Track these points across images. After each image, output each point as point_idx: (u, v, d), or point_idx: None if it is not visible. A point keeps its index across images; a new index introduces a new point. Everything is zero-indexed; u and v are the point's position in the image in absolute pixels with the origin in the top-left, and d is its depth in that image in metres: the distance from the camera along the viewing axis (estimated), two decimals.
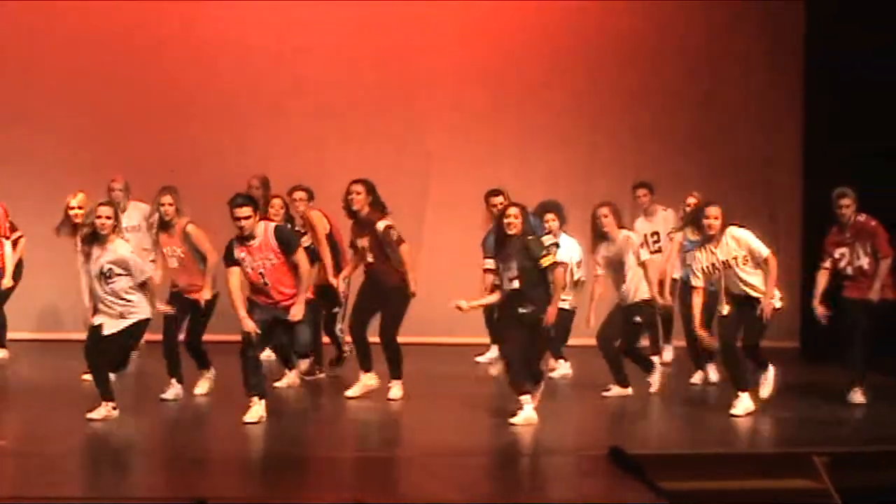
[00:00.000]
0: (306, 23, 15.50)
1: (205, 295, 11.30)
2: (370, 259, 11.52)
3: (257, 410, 10.52)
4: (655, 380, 11.88)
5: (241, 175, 12.80)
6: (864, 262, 11.47)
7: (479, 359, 13.74)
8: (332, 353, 12.86)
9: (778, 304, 10.94)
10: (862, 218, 11.52)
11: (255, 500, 8.48)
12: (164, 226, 11.41)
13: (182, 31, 15.45)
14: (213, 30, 15.48)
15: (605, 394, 11.76)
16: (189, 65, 15.41)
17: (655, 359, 12.17)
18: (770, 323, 10.92)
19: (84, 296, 11.03)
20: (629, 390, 11.67)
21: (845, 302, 11.55)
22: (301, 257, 10.70)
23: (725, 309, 11.09)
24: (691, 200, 12.30)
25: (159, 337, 11.46)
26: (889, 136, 13.80)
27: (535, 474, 9.53)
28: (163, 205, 11.40)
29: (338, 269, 12.24)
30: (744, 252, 10.85)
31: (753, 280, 10.86)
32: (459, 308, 10.70)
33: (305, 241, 11.95)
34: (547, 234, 11.85)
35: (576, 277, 12.19)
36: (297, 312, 10.63)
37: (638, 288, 11.59)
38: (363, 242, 11.51)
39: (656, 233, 13.41)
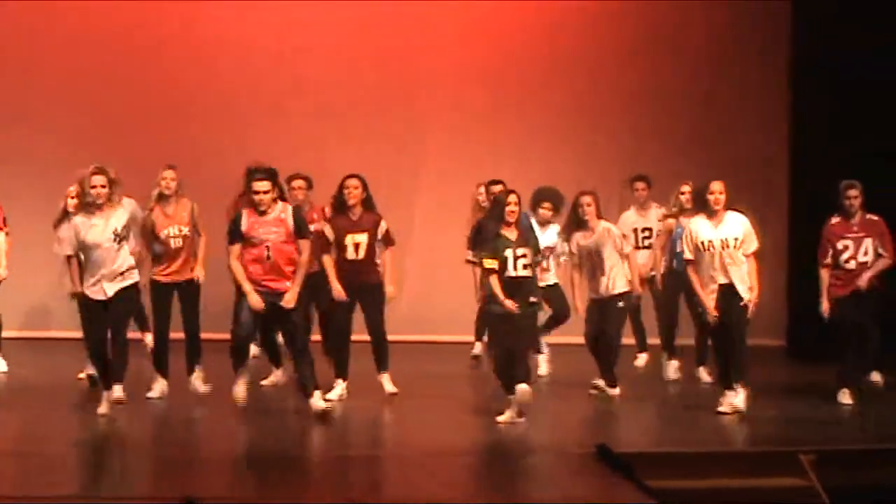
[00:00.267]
0: (306, 23, 15.53)
1: (199, 272, 11.35)
2: (359, 256, 11.40)
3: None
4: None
5: (241, 175, 12.78)
6: (870, 258, 11.37)
7: (474, 352, 13.60)
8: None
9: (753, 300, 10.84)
10: (875, 217, 11.45)
11: (246, 499, 8.48)
12: (163, 201, 11.35)
13: (182, 31, 15.49)
14: (213, 30, 15.52)
15: (592, 392, 11.73)
16: (189, 65, 15.45)
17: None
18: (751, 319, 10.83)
19: (74, 281, 10.91)
20: (617, 390, 11.59)
21: (837, 302, 11.38)
22: (307, 245, 10.72)
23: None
24: (685, 188, 12.23)
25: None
26: (889, 136, 13.79)
27: (524, 473, 9.49)
28: (164, 178, 11.38)
29: None
30: (741, 235, 10.75)
31: (738, 270, 10.71)
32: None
33: None
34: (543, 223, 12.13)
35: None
36: (290, 299, 10.62)
37: (615, 281, 11.43)
38: (357, 239, 11.42)
39: (648, 228, 13.19)
